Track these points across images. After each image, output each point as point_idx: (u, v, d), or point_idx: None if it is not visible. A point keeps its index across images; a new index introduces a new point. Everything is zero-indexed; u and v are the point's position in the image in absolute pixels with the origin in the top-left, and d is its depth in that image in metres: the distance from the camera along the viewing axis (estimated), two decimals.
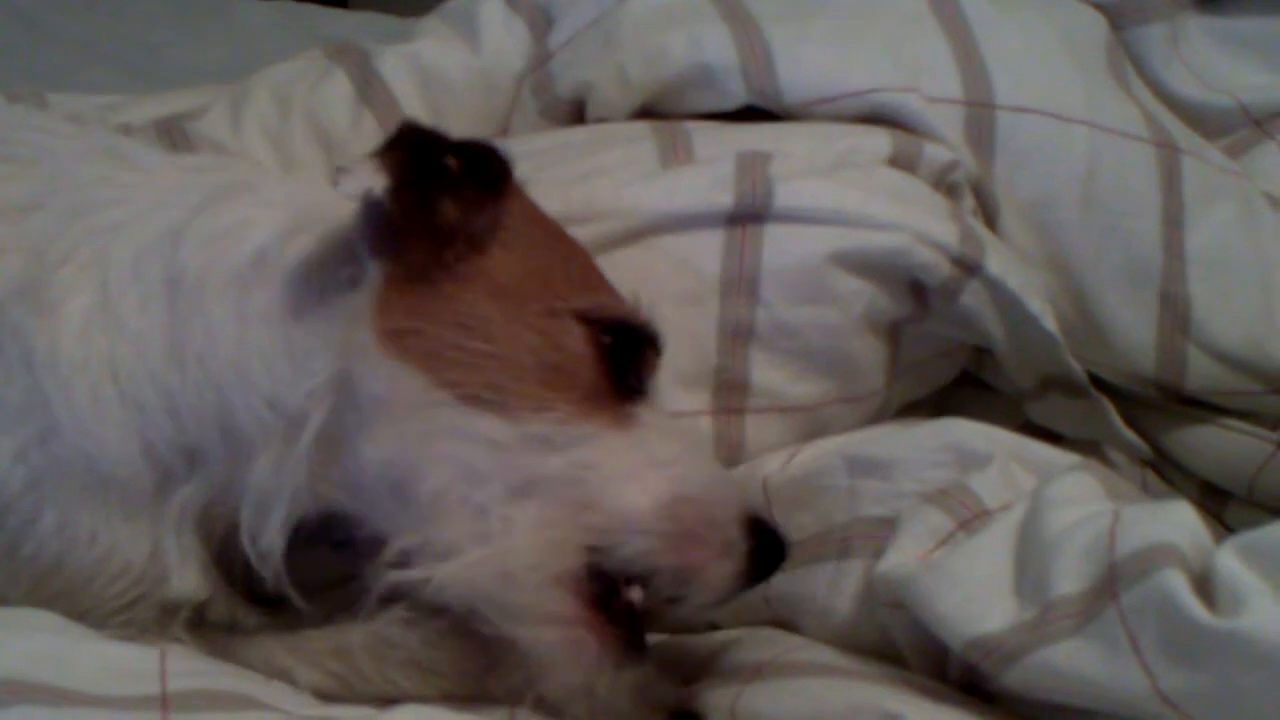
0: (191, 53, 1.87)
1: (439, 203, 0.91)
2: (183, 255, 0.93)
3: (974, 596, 0.88)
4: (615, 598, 0.91)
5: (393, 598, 0.92)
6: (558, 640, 0.89)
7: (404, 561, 0.89)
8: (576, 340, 0.94)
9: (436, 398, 0.89)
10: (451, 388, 0.89)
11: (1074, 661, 0.82)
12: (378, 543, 0.91)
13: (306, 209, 0.96)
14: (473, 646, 0.93)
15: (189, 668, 0.86)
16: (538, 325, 0.93)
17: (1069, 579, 0.85)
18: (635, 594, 0.91)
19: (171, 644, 0.91)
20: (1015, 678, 0.85)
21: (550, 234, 1.01)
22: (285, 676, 0.93)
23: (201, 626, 0.96)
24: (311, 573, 0.95)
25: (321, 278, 0.93)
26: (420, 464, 0.89)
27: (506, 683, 0.93)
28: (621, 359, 0.95)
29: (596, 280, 1.00)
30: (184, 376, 0.91)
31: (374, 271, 0.91)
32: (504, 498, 0.89)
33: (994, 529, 0.92)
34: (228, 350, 0.91)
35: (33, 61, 1.84)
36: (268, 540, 0.91)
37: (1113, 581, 0.82)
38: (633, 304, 0.99)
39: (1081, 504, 0.90)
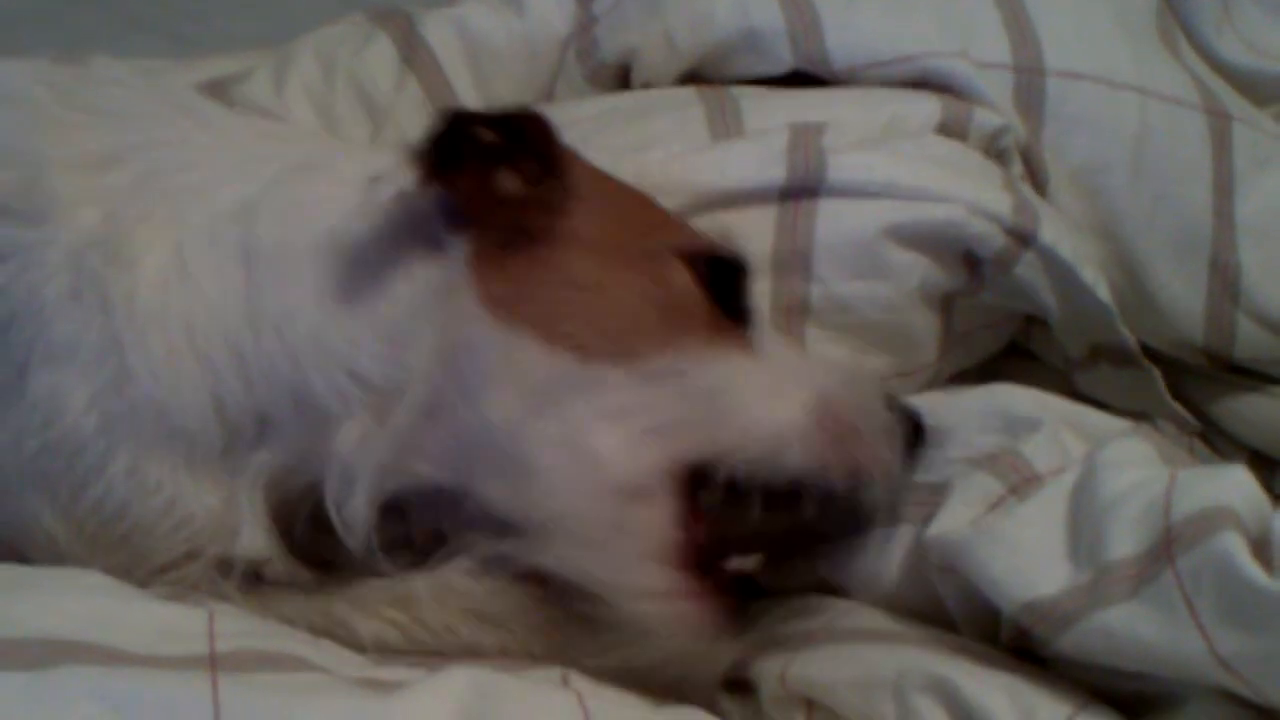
0: (231, 19, 1.88)
1: (497, 178, 0.92)
2: (259, 229, 0.94)
3: (1027, 560, 0.88)
4: (719, 567, 0.92)
5: (463, 550, 0.93)
6: (661, 611, 0.89)
7: (506, 527, 0.90)
8: (682, 275, 0.95)
9: (557, 357, 0.89)
10: (570, 345, 0.90)
11: (1130, 625, 0.82)
12: (474, 513, 0.92)
13: (378, 187, 0.95)
14: (536, 600, 0.93)
15: (237, 628, 0.86)
16: (642, 268, 0.94)
17: (1124, 542, 0.84)
18: (740, 563, 0.93)
19: (220, 604, 0.91)
20: (1069, 642, 0.85)
21: (615, 184, 1.01)
22: (342, 627, 0.93)
23: (254, 583, 0.96)
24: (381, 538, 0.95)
25: (399, 253, 0.92)
26: (539, 426, 0.89)
27: (570, 641, 0.93)
28: (722, 287, 0.96)
29: (672, 219, 1.02)
30: (259, 344, 0.91)
31: (457, 245, 0.91)
32: (633, 441, 0.89)
33: (1047, 493, 0.91)
34: (306, 323, 0.91)
35: (74, 27, 1.84)
36: (352, 511, 0.92)
37: (1169, 545, 0.82)
38: (715, 234, 1.00)
39: (1136, 468, 0.90)
